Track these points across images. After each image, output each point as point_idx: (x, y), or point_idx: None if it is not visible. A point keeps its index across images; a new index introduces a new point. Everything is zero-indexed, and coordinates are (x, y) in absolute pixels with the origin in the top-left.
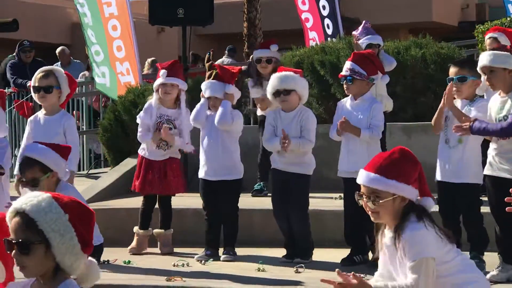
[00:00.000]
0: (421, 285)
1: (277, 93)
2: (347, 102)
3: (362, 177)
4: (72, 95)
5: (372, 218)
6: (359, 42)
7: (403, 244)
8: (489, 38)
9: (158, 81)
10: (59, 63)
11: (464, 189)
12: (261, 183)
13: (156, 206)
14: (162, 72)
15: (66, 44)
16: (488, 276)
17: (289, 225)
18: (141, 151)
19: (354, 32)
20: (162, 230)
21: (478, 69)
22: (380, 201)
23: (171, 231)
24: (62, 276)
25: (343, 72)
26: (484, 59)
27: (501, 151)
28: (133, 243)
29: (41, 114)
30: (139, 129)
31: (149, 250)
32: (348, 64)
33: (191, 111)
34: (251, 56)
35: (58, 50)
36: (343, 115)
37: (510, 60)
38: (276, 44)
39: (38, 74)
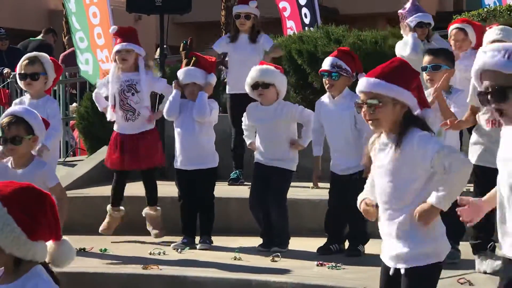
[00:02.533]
0: (460, 157)
1: (255, 86)
2: (326, 100)
3: (363, 83)
4: (58, 80)
5: (371, 127)
6: (408, 21)
7: (415, 146)
8: (455, 28)
9: (113, 50)
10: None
11: None
12: (237, 171)
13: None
14: (113, 40)
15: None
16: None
17: (264, 215)
18: (114, 127)
19: (400, 11)
20: (151, 212)
21: (485, 43)
22: (381, 105)
23: (159, 211)
24: (27, 266)
25: (327, 68)
26: (501, 33)
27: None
28: (104, 223)
29: (26, 98)
30: (98, 104)
31: (126, 238)
32: (332, 60)
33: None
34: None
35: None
36: (325, 116)
37: None
38: (255, 0)
39: (23, 61)
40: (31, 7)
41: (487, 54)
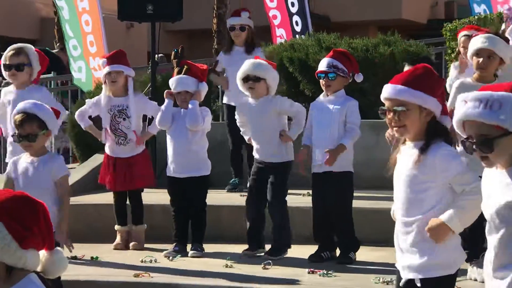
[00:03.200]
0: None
1: (246, 79)
2: (320, 99)
3: (388, 90)
4: (42, 72)
5: (397, 134)
6: None
7: (437, 159)
8: (464, 36)
9: (103, 72)
10: None
11: None
12: (236, 179)
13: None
14: (102, 61)
15: (35, 39)
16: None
17: (256, 215)
18: (106, 149)
19: (505, 11)
20: (134, 226)
21: (470, 53)
22: (408, 113)
23: (143, 226)
24: (19, 274)
25: (324, 69)
26: (487, 41)
27: None
28: (117, 239)
29: (12, 88)
30: (81, 123)
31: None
32: (328, 61)
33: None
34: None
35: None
36: (316, 114)
37: (509, 53)
38: (247, 11)
39: (8, 52)
40: (23, 15)
41: (468, 105)
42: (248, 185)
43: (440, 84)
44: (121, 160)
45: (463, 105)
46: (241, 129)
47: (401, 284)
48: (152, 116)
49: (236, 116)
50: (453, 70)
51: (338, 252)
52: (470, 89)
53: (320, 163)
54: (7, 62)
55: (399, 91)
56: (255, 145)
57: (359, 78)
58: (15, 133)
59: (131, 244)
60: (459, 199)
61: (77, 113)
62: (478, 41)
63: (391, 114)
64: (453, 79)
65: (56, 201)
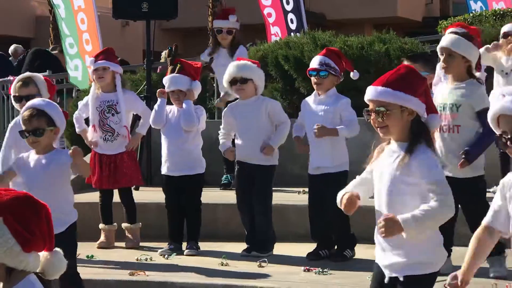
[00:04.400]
0: (448, 201)
1: (233, 81)
2: (311, 99)
3: (370, 92)
4: (51, 99)
5: (381, 134)
6: None
7: (418, 164)
8: (451, 33)
9: (91, 70)
10: (11, 58)
11: None
12: (228, 175)
13: (119, 201)
14: (90, 60)
15: (30, 38)
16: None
17: (251, 219)
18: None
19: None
20: (129, 224)
21: (438, 48)
22: (389, 113)
23: (138, 225)
24: (19, 275)
25: (316, 66)
26: (447, 40)
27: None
28: (102, 238)
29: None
30: (76, 125)
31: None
32: (320, 59)
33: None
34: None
35: (11, 49)
36: (307, 113)
37: (473, 51)
38: (234, 14)
39: (17, 82)
40: (18, 14)
41: (505, 99)
42: (235, 189)
43: (422, 83)
44: (107, 157)
45: (501, 99)
46: (220, 140)
47: (386, 281)
48: (139, 116)
49: (223, 119)
50: (438, 69)
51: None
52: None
53: (316, 166)
54: (17, 94)
55: (379, 92)
56: (241, 146)
57: (355, 75)
58: (22, 129)
59: (126, 243)
60: (425, 206)
61: (74, 116)
62: (444, 39)
63: (374, 115)
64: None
65: (70, 189)
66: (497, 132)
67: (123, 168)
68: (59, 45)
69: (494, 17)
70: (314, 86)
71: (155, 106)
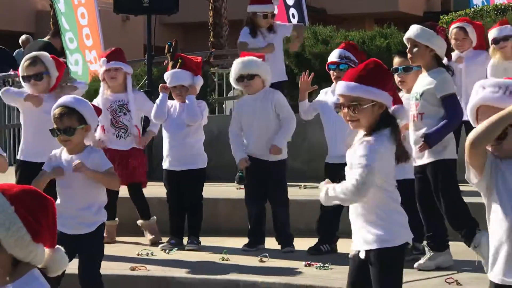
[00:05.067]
0: (361, 189)
1: (240, 78)
2: (330, 92)
3: (342, 87)
4: (61, 77)
5: (351, 127)
6: None
7: (359, 145)
8: (456, 27)
9: (101, 70)
10: (21, 50)
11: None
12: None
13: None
14: (102, 60)
15: (31, 33)
16: (415, 265)
17: (257, 214)
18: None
19: None
20: (145, 221)
21: (404, 39)
22: (362, 108)
23: (154, 219)
24: (24, 268)
25: (336, 59)
26: (411, 31)
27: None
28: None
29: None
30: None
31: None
32: (340, 52)
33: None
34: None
35: (22, 38)
36: (327, 106)
37: (435, 40)
38: None
39: (24, 62)
40: (19, 8)
41: (486, 90)
42: (245, 184)
43: (390, 77)
44: (116, 152)
45: (481, 91)
46: (236, 136)
47: (351, 255)
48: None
49: (234, 116)
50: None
51: (338, 245)
52: None
53: (338, 155)
54: (25, 74)
55: (351, 88)
56: (251, 141)
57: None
58: (53, 128)
59: (148, 239)
60: (345, 183)
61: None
62: (409, 31)
63: (346, 109)
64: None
65: (102, 189)
66: (475, 126)
67: (132, 164)
68: (51, 30)
69: (496, 12)
70: (334, 80)
71: (157, 101)
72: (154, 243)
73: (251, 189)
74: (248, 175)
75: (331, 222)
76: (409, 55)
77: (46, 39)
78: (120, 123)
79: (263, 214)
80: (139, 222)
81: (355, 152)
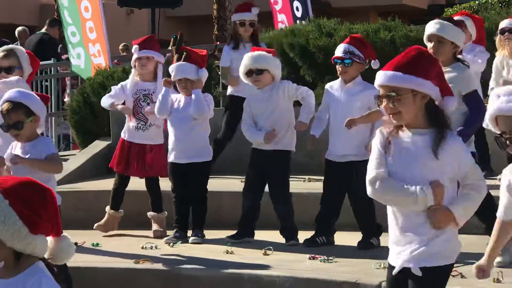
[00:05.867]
0: (485, 185)
1: (249, 73)
2: (337, 85)
3: (380, 77)
4: (34, 74)
5: (394, 121)
6: None
7: (456, 149)
8: (440, 19)
9: (134, 57)
10: (18, 42)
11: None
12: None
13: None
14: (134, 47)
15: (34, 26)
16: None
17: (251, 206)
18: (122, 134)
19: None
20: (155, 213)
21: (427, 34)
22: (401, 98)
23: (164, 214)
24: (28, 261)
25: (340, 55)
26: (436, 27)
27: None
28: (102, 221)
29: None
30: (105, 103)
31: (118, 232)
32: (345, 47)
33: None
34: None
35: (18, 29)
36: (333, 101)
37: (461, 37)
38: (256, 7)
39: None
40: (23, 2)
41: (500, 99)
42: (246, 173)
43: (434, 65)
44: (136, 145)
45: (496, 100)
46: (249, 125)
47: (394, 272)
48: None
49: (245, 109)
50: None
51: (336, 237)
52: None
53: (340, 154)
54: None
55: (390, 77)
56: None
57: (375, 64)
58: (2, 123)
59: (153, 230)
60: (465, 192)
61: (102, 100)
62: (429, 27)
63: (385, 100)
64: None
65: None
66: (497, 131)
67: (151, 158)
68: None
69: (500, 5)
70: (339, 75)
71: (159, 96)
72: (158, 237)
73: (249, 182)
74: (250, 167)
75: (330, 217)
76: (431, 51)
77: (44, 29)
78: (140, 114)
79: (257, 209)
80: (150, 214)
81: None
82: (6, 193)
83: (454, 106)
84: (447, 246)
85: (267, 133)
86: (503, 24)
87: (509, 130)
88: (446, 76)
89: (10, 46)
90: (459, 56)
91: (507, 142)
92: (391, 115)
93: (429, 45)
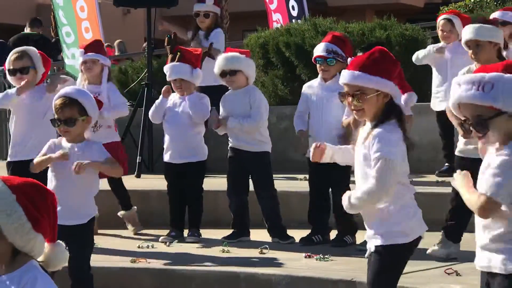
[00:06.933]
0: (386, 183)
1: (223, 74)
2: (316, 83)
3: (347, 76)
4: (47, 73)
5: (356, 116)
6: None
7: (372, 140)
8: (443, 19)
9: (79, 60)
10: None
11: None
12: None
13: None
14: (80, 51)
15: None
16: (428, 251)
17: (238, 206)
18: None
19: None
20: (124, 212)
21: (462, 43)
22: (366, 97)
23: (133, 209)
24: (23, 259)
25: (322, 53)
26: (469, 32)
27: None
28: (128, 226)
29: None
30: None
31: (114, 232)
32: (327, 46)
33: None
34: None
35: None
36: (313, 100)
37: (497, 33)
38: None
39: (12, 56)
40: (19, 2)
41: (461, 88)
42: (227, 176)
43: (396, 66)
44: None
45: (457, 88)
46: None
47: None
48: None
49: (221, 109)
50: (429, 48)
51: (333, 235)
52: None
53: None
54: (11, 67)
55: (356, 77)
56: (233, 134)
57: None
58: (54, 118)
59: (131, 230)
60: (365, 186)
61: None
62: (465, 33)
63: (350, 98)
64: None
65: (96, 183)
66: (461, 117)
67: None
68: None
69: (495, 3)
70: (320, 73)
71: (156, 103)
72: (138, 233)
73: (233, 181)
74: (230, 167)
75: (319, 214)
76: (473, 56)
77: (28, 30)
78: None
79: (245, 207)
80: (120, 213)
81: (369, 147)
82: (13, 188)
83: (415, 100)
84: (400, 226)
85: (212, 116)
86: (495, 15)
87: (470, 116)
88: None
89: (22, 47)
90: (504, 52)
91: (470, 127)
92: (354, 111)
93: (469, 51)
